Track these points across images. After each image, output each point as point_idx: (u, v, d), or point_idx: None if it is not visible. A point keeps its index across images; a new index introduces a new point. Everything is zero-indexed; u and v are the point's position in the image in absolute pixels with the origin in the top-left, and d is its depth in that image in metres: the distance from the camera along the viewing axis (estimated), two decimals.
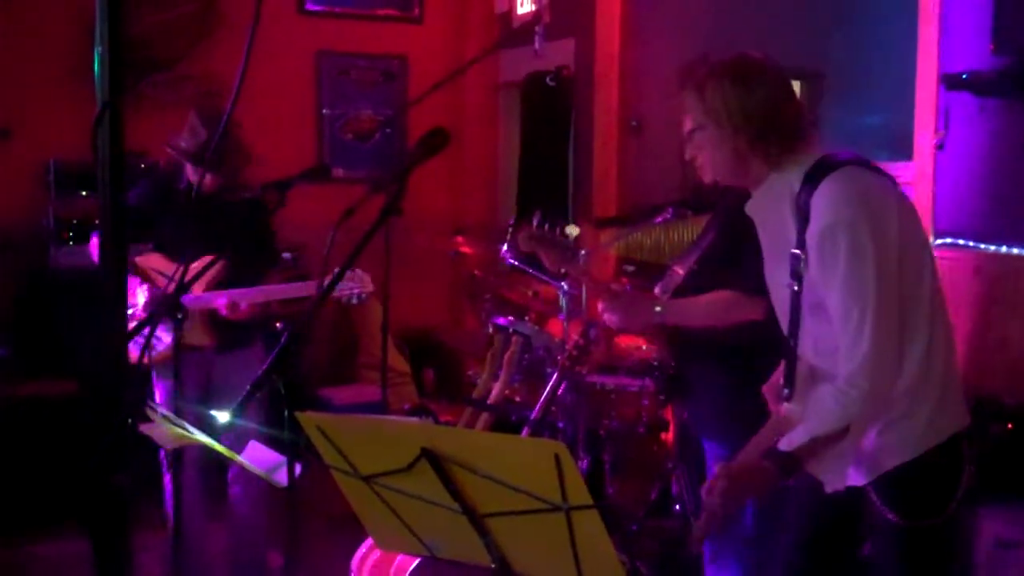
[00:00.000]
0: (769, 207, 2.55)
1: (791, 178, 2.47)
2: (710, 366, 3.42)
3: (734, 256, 3.20)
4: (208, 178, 4.15)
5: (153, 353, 4.12)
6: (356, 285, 3.98)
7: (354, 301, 4.00)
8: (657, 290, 3.43)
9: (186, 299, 4.11)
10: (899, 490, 2.47)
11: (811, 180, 2.42)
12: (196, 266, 3.84)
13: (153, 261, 4.19)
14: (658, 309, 3.26)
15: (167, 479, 4.25)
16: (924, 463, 2.45)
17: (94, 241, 4.22)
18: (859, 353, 2.35)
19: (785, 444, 2.40)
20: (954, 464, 2.47)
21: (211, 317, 4.15)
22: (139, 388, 3.75)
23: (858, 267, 2.34)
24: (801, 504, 2.71)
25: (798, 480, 2.52)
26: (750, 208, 2.61)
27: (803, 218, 2.42)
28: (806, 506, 2.68)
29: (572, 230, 3.70)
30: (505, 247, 4.41)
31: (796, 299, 2.48)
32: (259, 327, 4.32)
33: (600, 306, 3.34)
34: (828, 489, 2.54)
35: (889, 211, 2.41)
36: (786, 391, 2.55)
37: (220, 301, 4.04)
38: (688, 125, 2.59)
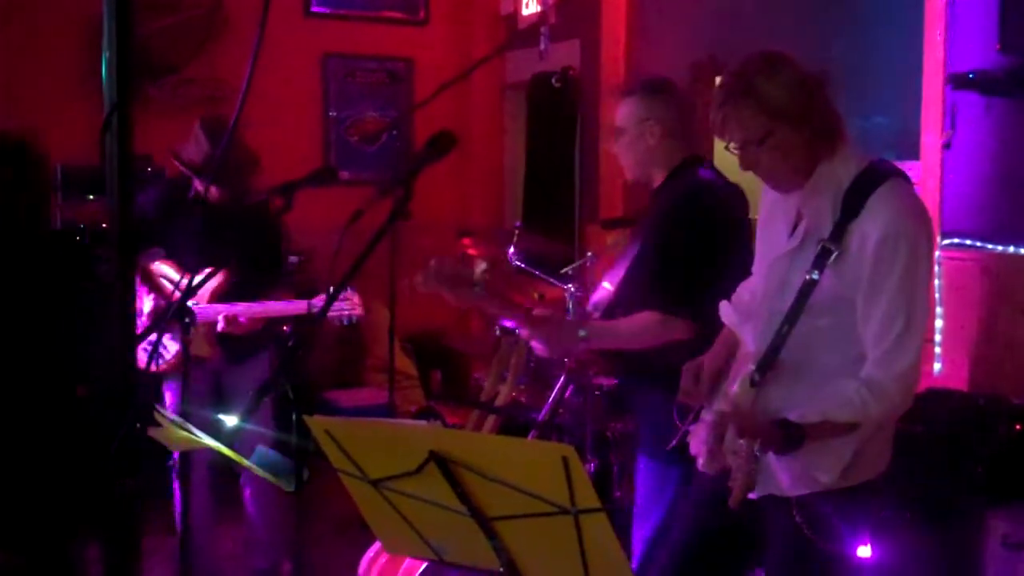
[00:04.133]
0: (813, 196, 2.50)
1: (838, 170, 2.47)
2: (644, 383, 3.35)
3: (656, 272, 3.13)
4: (213, 189, 4.15)
5: (161, 362, 4.12)
6: (346, 307, 4.01)
7: (345, 323, 4.03)
8: (589, 306, 3.38)
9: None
10: (828, 511, 2.48)
11: (868, 181, 2.43)
12: (201, 277, 3.85)
13: (162, 268, 4.19)
14: (582, 334, 3.14)
15: (176, 486, 4.26)
16: (855, 491, 2.49)
17: None
18: (898, 365, 2.38)
19: (796, 416, 2.37)
20: (876, 500, 2.58)
21: (213, 329, 4.14)
22: (148, 392, 3.75)
23: (911, 280, 2.38)
24: (701, 499, 2.75)
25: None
26: (803, 197, 2.53)
27: (850, 213, 2.41)
28: (707, 502, 2.69)
29: (481, 265, 3.41)
30: (511, 249, 4.40)
31: (808, 290, 2.45)
32: (265, 337, 4.32)
33: (524, 334, 3.23)
34: (754, 494, 2.50)
35: (934, 233, 2.50)
36: (756, 376, 2.49)
37: (219, 316, 4.05)
38: (747, 139, 2.46)
